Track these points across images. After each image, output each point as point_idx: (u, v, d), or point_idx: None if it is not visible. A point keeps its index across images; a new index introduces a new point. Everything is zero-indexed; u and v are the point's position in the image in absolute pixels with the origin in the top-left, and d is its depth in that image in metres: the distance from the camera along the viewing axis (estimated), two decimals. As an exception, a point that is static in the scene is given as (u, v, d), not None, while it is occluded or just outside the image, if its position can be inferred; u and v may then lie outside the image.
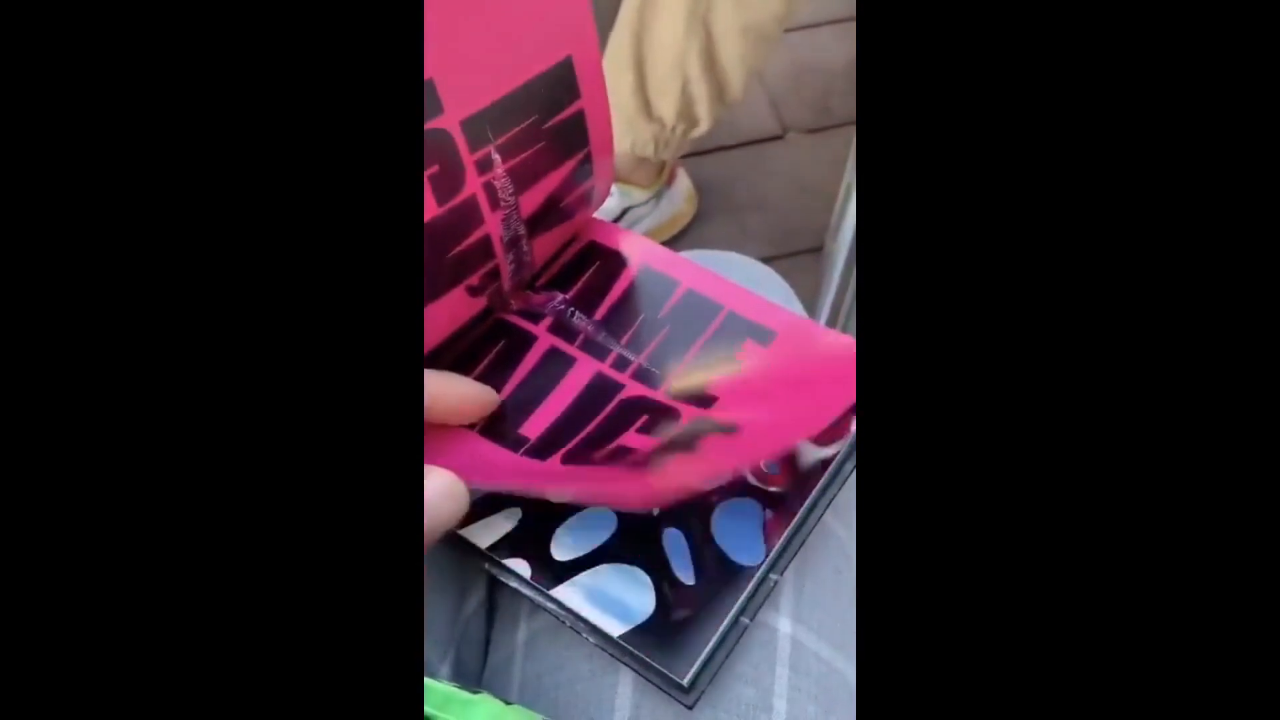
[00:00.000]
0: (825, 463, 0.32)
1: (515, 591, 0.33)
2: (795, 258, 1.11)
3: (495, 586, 0.37)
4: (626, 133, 0.92)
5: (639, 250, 0.38)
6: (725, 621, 0.29)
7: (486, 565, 0.31)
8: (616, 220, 1.02)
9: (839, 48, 1.25)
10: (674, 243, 1.10)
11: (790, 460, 0.33)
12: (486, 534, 0.31)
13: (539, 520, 0.31)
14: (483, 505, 0.32)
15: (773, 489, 0.32)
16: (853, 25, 1.27)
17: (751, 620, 0.30)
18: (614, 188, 0.99)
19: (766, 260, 1.13)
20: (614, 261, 0.38)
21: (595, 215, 0.40)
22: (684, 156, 1.07)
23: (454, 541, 0.32)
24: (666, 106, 0.88)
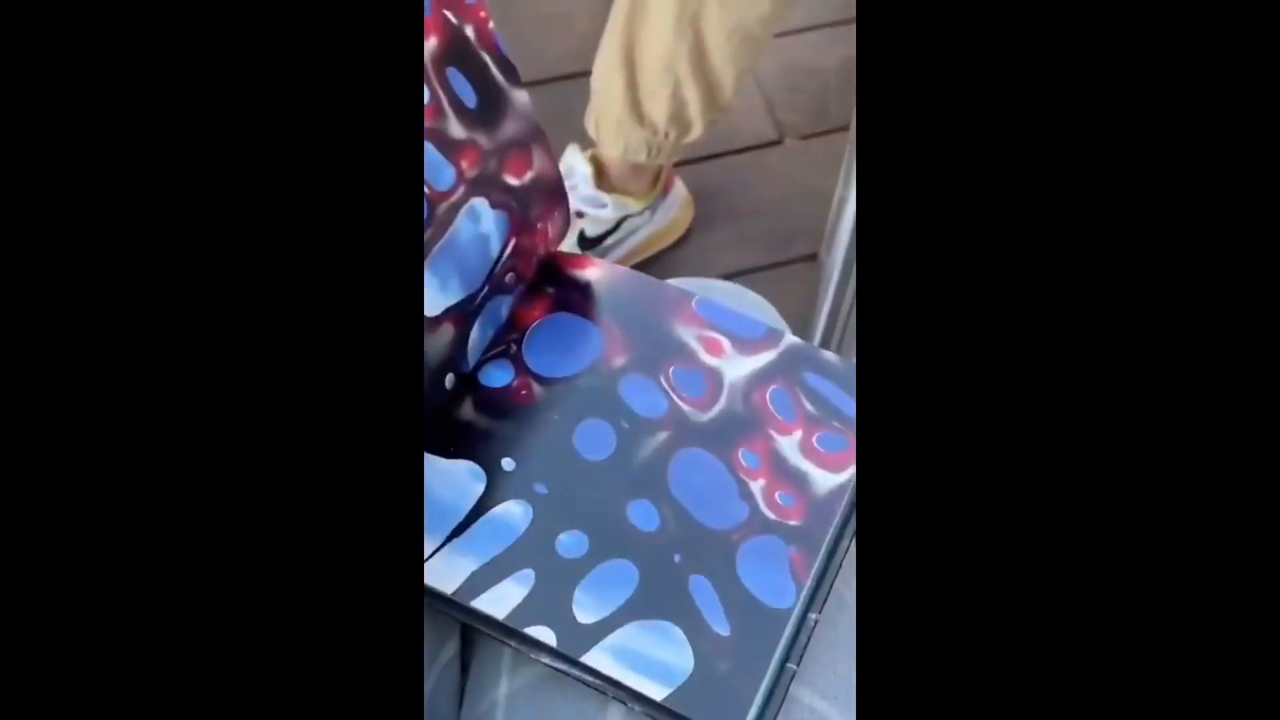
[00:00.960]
0: (841, 489, 0.31)
1: (497, 644, 0.31)
2: (794, 265, 1.09)
3: (470, 639, 0.34)
4: (618, 138, 0.91)
5: None
6: (770, 670, 0.28)
7: (512, 642, 0.29)
8: (613, 230, 1.01)
9: (834, 51, 1.23)
10: (672, 251, 1.09)
11: (804, 491, 0.31)
12: (500, 604, 0.29)
13: (555, 581, 0.29)
14: (492, 572, 0.30)
15: (792, 522, 0.30)
16: (848, 28, 1.26)
17: (798, 666, 0.28)
18: (609, 198, 0.98)
19: (765, 268, 1.12)
20: None
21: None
22: (680, 164, 1.05)
23: (466, 615, 0.30)
24: (658, 111, 0.86)
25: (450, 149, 0.31)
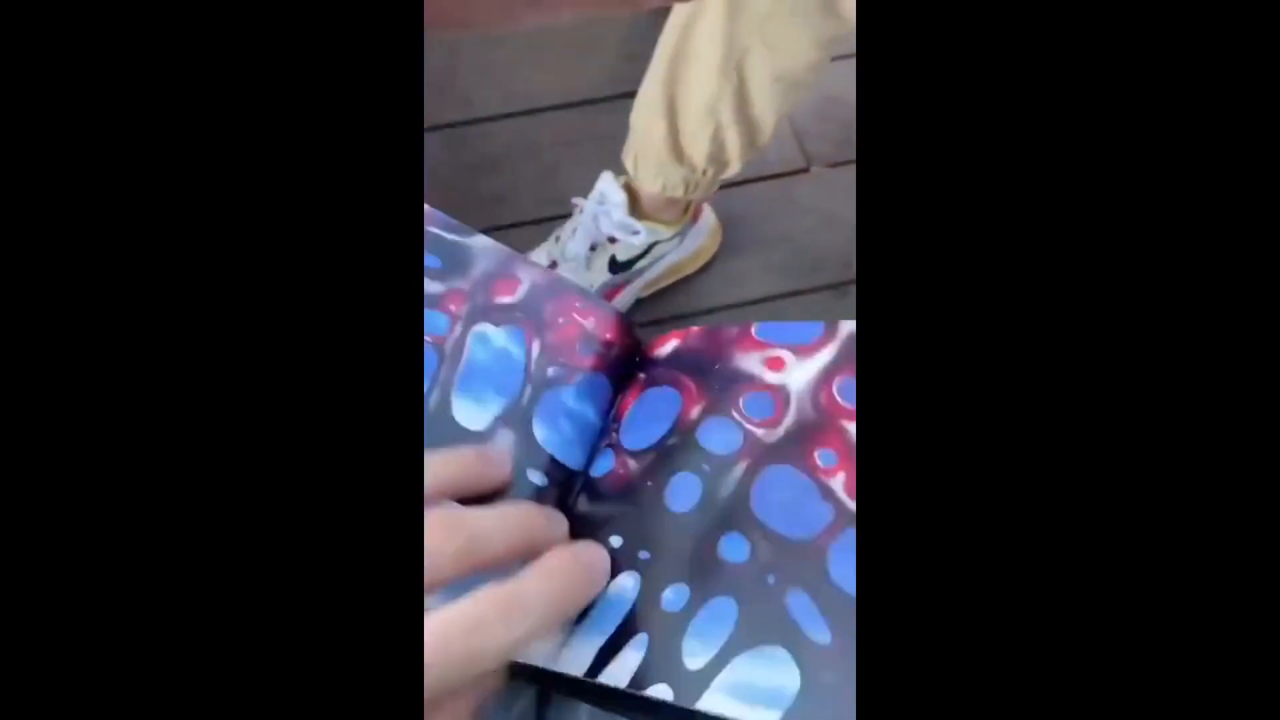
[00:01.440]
0: None
1: (570, 706, 0.32)
2: (820, 292, 1.11)
3: (543, 697, 0.35)
4: (657, 175, 0.92)
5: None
6: None
7: (638, 716, 0.29)
8: (643, 255, 1.03)
9: (863, 80, 1.25)
10: (698, 277, 1.11)
11: None
12: (622, 674, 0.29)
13: (665, 636, 0.30)
14: (613, 645, 0.30)
15: None
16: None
17: None
18: (642, 225, 0.99)
19: (790, 295, 1.14)
20: None
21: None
22: (708, 190, 1.07)
23: (595, 695, 0.30)
24: (698, 151, 0.87)
25: (433, 303, 0.35)
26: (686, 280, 1.10)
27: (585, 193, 1.03)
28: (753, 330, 0.36)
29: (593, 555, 0.31)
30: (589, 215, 1.01)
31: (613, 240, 1.01)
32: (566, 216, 1.05)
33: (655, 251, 1.03)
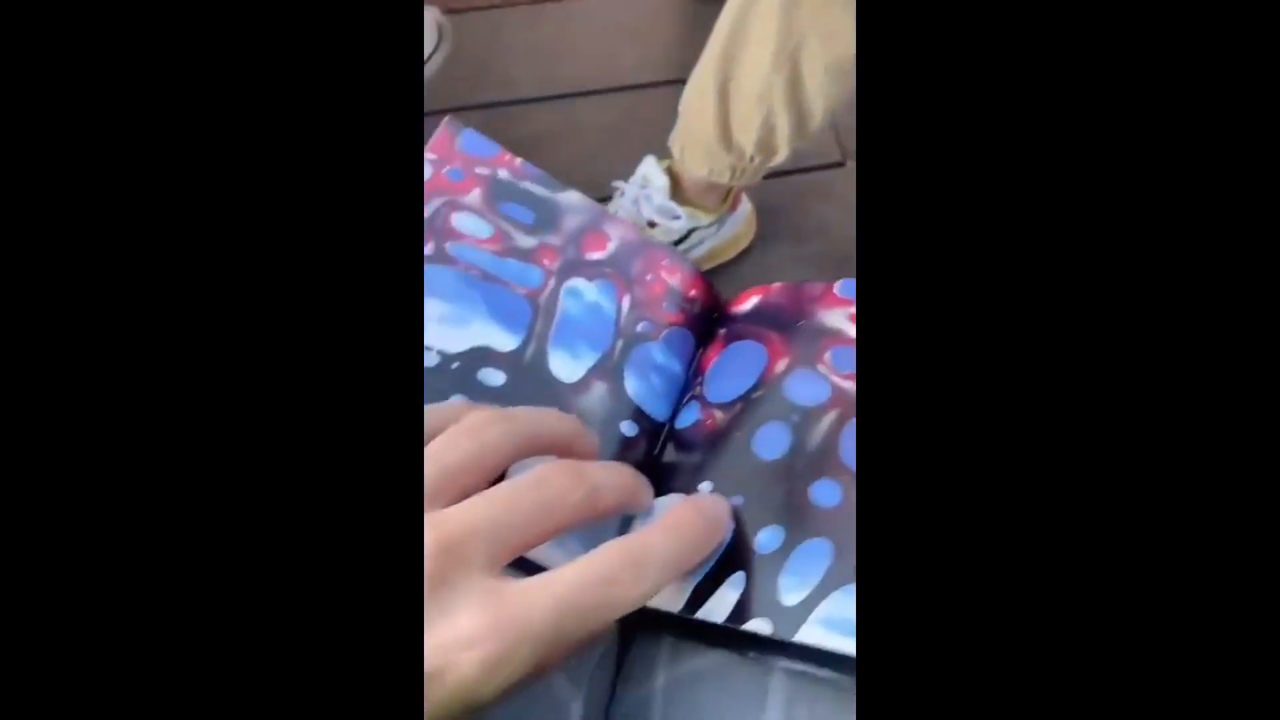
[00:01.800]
0: None
1: (654, 638, 0.33)
2: (851, 286, 1.11)
3: (625, 633, 0.36)
4: (705, 160, 0.93)
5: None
6: None
7: (737, 648, 0.30)
8: (681, 240, 1.03)
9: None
10: (732, 265, 1.11)
11: None
12: (720, 610, 0.31)
13: (761, 575, 0.31)
14: (709, 583, 0.31)
15: None
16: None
17: None
18: (683, 210, 1.00)
19: (822, 287, 1.14)
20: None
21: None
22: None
23: (691, 630, 0.31)
24: (747, 138, 0.88)
25: (527, 256, 0.37)
26: (720, 268, 1.11)
27: (624, 177, 1.03)
28: (835, 289, 0.38)
29: (716, 509, 0.32)
30: (629, 199, 1.02)
31: (652, 225, 1.02)
32: (606, 200, 1.06)
33: (694, 238, 1.04)
